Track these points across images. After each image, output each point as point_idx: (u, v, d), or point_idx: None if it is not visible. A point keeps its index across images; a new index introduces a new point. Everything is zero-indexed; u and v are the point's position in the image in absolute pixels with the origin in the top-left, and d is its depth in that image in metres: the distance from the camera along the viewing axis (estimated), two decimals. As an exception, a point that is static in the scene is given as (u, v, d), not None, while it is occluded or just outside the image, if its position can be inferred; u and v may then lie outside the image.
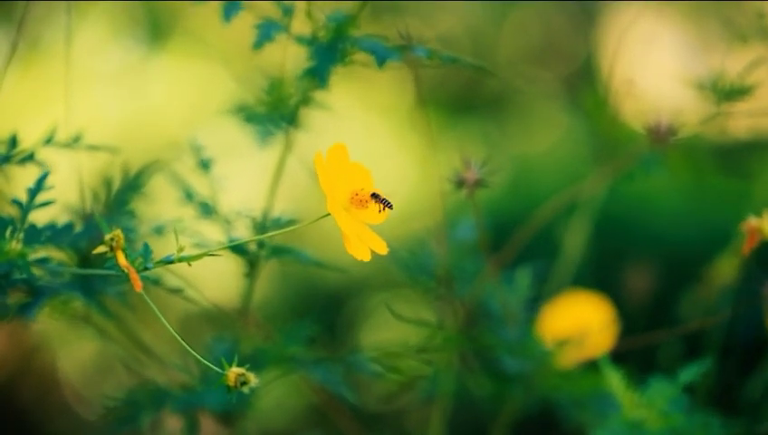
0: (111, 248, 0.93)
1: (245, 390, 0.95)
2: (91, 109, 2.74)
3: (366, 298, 2.61)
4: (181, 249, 0.95)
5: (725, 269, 1.58)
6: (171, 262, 0.95)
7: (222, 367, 0.95)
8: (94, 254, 0.94)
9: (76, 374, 2.60)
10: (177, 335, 0.92)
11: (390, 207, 0.99)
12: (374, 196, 0.99)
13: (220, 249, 0.99)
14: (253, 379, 0.95)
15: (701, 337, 1.49)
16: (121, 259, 0.94)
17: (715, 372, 1.45)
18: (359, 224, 0.99)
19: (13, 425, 2.53)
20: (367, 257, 0.97)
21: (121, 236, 0.94)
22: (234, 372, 0.95)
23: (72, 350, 2.60)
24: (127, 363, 1.43)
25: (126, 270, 0.93)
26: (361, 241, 0.97)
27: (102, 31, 2.84)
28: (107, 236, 0.93)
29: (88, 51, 2.79)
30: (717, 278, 1.58)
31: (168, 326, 0.93)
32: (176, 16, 2.93)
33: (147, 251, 0.95)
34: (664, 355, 1.51)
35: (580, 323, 1.53)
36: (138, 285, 0.93)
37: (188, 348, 0.94)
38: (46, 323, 2.18)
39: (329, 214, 0.96)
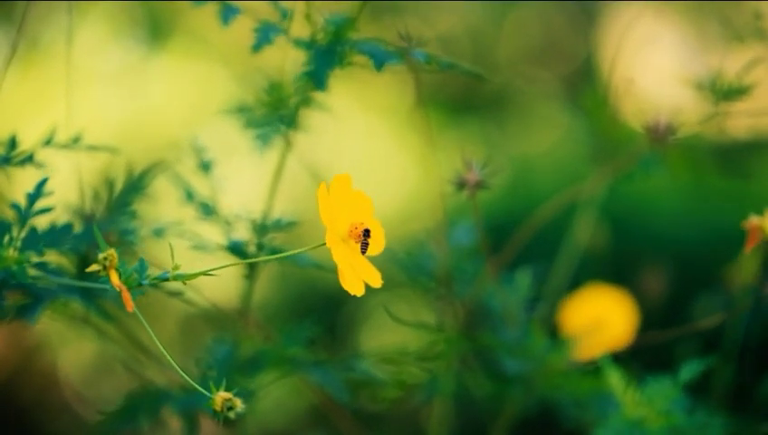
0: (104, 268, 0.93)
1: (232, 415, 0.95)
2: (92, 109, 2.73)
3: (366, 299, 2.61)
4: (177, 267, 0.95)
5: (744, 269, 1.57)
6: (166, 279, 0.95)
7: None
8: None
9: (76, 374, 2.60)
10: (162, 348, 0.91)
11: (364, 250, 1.00)
12: (365, 233, 1.00)
13: (218, 268, 0.98)
14: (239, 404, 0.95)
15: (718, 338, 1.49)
16: (114, 279, 0.93)
17: (732, 371, 1.45)
18: (355, 255, 0.99)
19: (13, 425, 2.53)
20: (360, 292, 0.98)
21: (115, 255, 0.93)
22: (221, 396, 0.95)
23: (72, 350, 2.60)
24: (126, 364, 1.42)
25: (118, 289, 0.93)
26: (356, 273, 0.98)
27: (102, 31, 2.84)
28: (100, 256, 0.93)
29: (88, 51, 2.79)
30: (736, 278, 1.58)
31: (155, 338, 0.92)
32: (176, 16, 2.93)
33: (142, 266, 0.94)
34: (678, 356, 1.51)
35: (600, 316, 1.53)
36: (129, 305, 0.92)
37: (172, 362, 0.94)
38: (46, 324, 2.18)
39: (325, 244, 0.97)
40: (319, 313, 2.55)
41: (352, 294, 0.97)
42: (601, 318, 1.53)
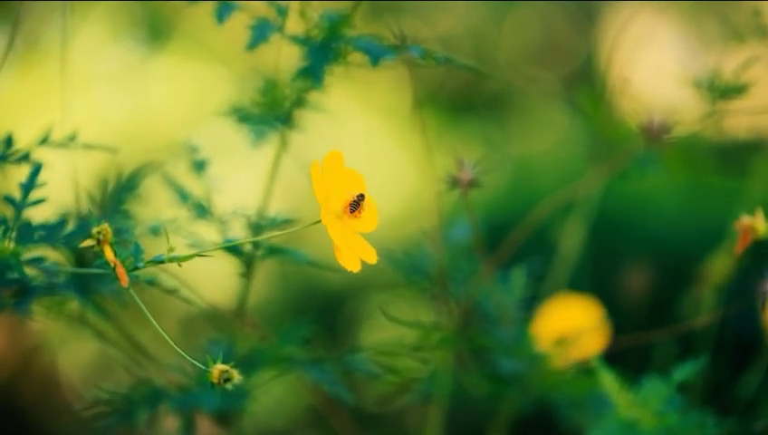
0: (98, 242, 0.93)
1: (229, 386, 0.95)
2: (91, 109, 2.74)
3: (366, 298, 2.61)
4: (171, 250, 0.95)
5: (721, 267, 1.58)
6: (162, 262, 0.95)
7: (209, 365, 0.95)
8: (82, 248, 0.94)
9: (76, 374, 2.61)
10: (164, 334, 0.92)
11: (354, 209, 1.00)
12: (353, 204, 0.99)
13: (212, 250, 0.99)
14: (236, 376, 0.95)
15: (696, 336, 1.49)
16: (108, 253, 0.93)
17: (709, 370, 1.45)
18: (350, 233, 1.00)
19: (13, 425, 2.54)
20: (357, 268, 0.98)
21: (108, 229, 0.93)
22: (218, 368, 0.95)
23: (72, 350, 2.61)
24: (124, 364, 1.43)
25: (113, 265, 0.93)
26: (352, 250, 0.98)
27: (102, 31, 2.84)
28: (94, 230, 0.93)
29: (88, 51, 2.79)
30: (713, 277, 1.58)
31: (156, 325, 0.93)
32: (176, 17, 2.93)
33: (137, 250, 0.95)
34: (659, 355, 1.51)
35: (571, 324, 1.53)
36: (124, 280, 0.93)
37: (174, 345, 0.94)
38: (46, 324, 2.19)
39: (320, 221, 0.97)
40: (319, 312, 2.55)
41: (348, 269, 0.97)
42: (571, 329, 1.52)
